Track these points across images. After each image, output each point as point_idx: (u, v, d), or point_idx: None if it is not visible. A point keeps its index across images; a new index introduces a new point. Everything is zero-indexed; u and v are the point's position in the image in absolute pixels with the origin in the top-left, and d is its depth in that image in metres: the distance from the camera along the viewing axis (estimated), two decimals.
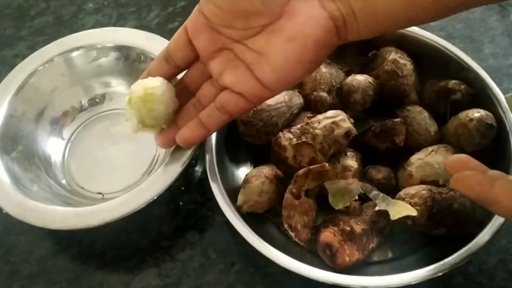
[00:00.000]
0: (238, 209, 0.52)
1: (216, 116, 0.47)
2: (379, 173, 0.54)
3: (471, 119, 0.53)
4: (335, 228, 0.49)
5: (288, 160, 0.51)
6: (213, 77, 0.46)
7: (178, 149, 0.56)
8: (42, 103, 0.66)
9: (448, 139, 0.55)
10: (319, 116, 0.53)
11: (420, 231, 0.51)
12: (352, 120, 0.53)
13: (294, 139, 0.51)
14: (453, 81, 0.57)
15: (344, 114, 0.53)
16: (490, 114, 0.53)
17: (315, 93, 0.59)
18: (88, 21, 0.80)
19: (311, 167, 0.50)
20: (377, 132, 0.55)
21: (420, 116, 0.56)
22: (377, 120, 0.56)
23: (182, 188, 0.61)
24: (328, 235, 0.49)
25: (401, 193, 0.52)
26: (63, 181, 0.62)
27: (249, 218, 0.51)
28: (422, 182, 0.52)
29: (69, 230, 0.55)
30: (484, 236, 0.47)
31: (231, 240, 0.56)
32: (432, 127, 0.56)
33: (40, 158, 0.64)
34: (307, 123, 0.53)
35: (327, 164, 0.51)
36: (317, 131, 0.51)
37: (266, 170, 0.53)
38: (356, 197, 0.51)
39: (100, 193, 0.62)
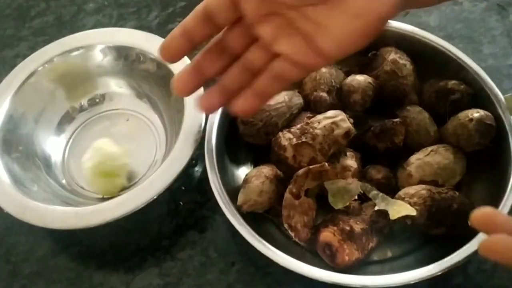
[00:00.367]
0: (238, 209, 0.52)
1: (274, 85, 0.43)
2: (379, 173, 0.54)
3: (471, 119, 0.53)
4: (335, 228, 0.49)
5: (288, 160, 0.51)
6: (264, 42, 0.42)
7: (178, 149, 0.56)
8: (42, 103, 0.66)
9: (447, 139, 0.56)
10: (319, 116, 0.53)
11: (420, 230, 0.51)
12: (351, 120, 0.53)
13: (294, 139, 0.51)
14: (453, 81, 0.57)
15: (344, 114, 0.53)
16: (490, 114, 0.53)
17: (315, 93, 0.59)
18: (88, 21, 0.80)
19: (310, 167, 0.50)
20: (377, 132, 0.55)
21: (420, 116, 0.56)
22: (377, 120, 0.56)
23: (182, 188, 0.61)
24: (327, 234, 0.49)
25: (401, 193, 0.52)
26: (63, 181, 0.63)
27: (249, 217, 0.51)
28: (421, 182, 0.52)
29: (69, 229, 0.55)
30: (483, 235, 0.47)
31: (231, 240, 0.56)
32: (432, 127, 0.56)
33: (40, 158, 0.64)
34: (307, 123, 0.53)
35: (326, 164, 0.51)
36: (317, 131, 0.52)
37: (266, 170, 0.54)
38: (356, 197, 0.51)
39: None
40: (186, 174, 0.59)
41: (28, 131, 0.64)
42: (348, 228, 0.49)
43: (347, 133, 0.52)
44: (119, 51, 0.67)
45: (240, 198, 0.52)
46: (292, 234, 0.51)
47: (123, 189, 0.60)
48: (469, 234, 0.47)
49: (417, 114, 0.57)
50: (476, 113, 0.53)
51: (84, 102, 0.69)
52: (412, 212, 0.48)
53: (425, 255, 0.50)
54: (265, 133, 0.57)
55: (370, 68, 0.60)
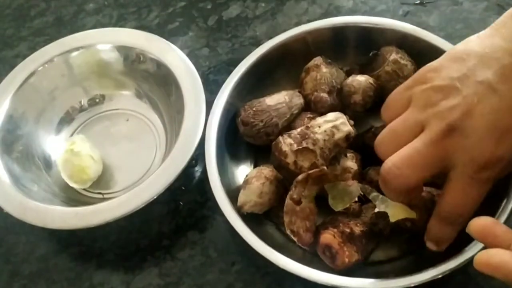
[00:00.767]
0: (238, 210, 0.52)
1: None
2: (379, 174, 0.54)
3: None
4: (335, 230, 0.49)
5: (289, 165, 0.51)
6: None
7: (178, 149, 0.56)
8: (42, 103, 0.66)
9: None
10: (319, 120, 0.53)
11: (420, 233, 0.51)
12: (352, 122, 0.53)
13: (295, 145, 0.51)
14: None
15: (344, 116, 0.53)
16: None
17: (315, 93, 0.59)
18: (89, 21, 0.80)
19: (310, 172, 0.50)
20: (378, 133, 0.54)
21: None
22: (378, 121, 0.56)
23: (182, 188, 0.61)
24: (327, 236, 0.49)
25: None
26: (63, 181, 0.62)
27: (249, 218, 0.51)
28: None
29: (69, 229, 0.55)
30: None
31: (231, 240, 0.56)
32: None
33: (40, 158, 0.64)
34: (307, 127, 0.52)
35: (325, 168, 0.51)
36: (318, 136, 0.51)
37: (267, 171, 0.54)
38: (356, 199, 0.51)
39: (100, 193, 0.62)
40: (186, 174, 0.59)
41: (28, 131, 0.64)
42: (348, 230, 0.49)
43: (347, 136, 0.52)
44: (119, 51, 0.67)
45: (241, 198, 0.52)
46: (295, 239, 0.51)
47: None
48: (470, 236, 0.47)
49: None
50: None
51: (84, 102, 0.69)
52: (412, 215, 0.48)
53: (426, 258, 0.50)
54: (266, 133, 0.57)
55: (371, 68, 0.60)
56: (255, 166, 0.58)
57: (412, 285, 0.45)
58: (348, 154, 0.54)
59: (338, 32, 0.63)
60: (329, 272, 0.47)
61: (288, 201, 0.51)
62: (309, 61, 0.61)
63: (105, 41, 0.68)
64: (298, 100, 0.59)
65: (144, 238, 0.58)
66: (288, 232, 0.51)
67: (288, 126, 0.57)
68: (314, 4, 0.76)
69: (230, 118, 0.59)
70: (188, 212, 0.59)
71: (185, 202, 0.60)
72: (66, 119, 0.68)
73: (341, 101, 0.59)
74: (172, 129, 0.63)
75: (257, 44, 0.68)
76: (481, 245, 0.45)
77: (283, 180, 0.53)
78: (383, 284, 0.46)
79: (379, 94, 0.58)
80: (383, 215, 0.50)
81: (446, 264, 0.46)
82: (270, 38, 0.63)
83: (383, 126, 0.54)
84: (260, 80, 0.62)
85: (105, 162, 0.63)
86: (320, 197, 0.52)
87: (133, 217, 0.53)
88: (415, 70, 0.59)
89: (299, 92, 0.60)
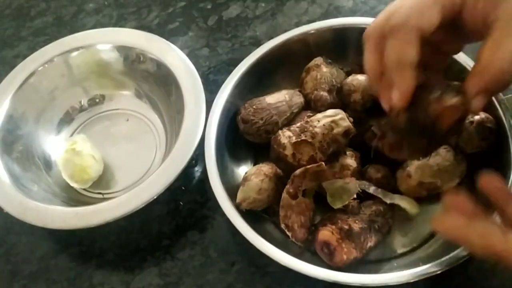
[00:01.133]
0: (237, 206, 0.52)
1: None
2: (378, 172, 0.54)
3: (471, 122, 0.53)
4: (333, 227, 0.49)
5: (287, 158, 0.51)
6: None
7: (178, 149, 0.56)
8: (42, 103, 0.66)
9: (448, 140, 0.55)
10: (319, 115, 0.53)
11: (419, 229, 0.52)
12: (351, 119, 0.53)
13: (294, 137, 0.51)
14: (454, 83, 0.57)
15: (344, 113, 0.53)
16: (490, 117, 0.53)
17: (315, 92, 0.59)
18: (89, 21, 0.80)
19: (308, 166, 0.50)
20: (377, 132, 0.55)
21: None
22: (377, 120, 0.56)
23: (182, 188, 0.61)
24: (326, 233, 0.49)
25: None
26: (63, 181, 0.62)
27: (249, 216, 0.51)
28: (420, 183, 0.52)
29: (69, 229, 0.55)
30: None
31: (231, 240, 0.56)
32: None
33: (40, 158, 0.64)
34: (307, 122, 0.53)
35: (323, 163, 0.51)
36: (317, 130, 0.52)
37: (266, 168, 0.54)
38: (355, 196, 0.51)
39: (100, 193, 0.62)
40: (186, 174, 0.59)
41: (28, 131, 0.64)
42: (346, 227, 0.49)
43: (346, 132, 0.52)
44: (119, 51, 0.67)
45: (239, 195, 0.52)
46: (289, 234, 0.51)
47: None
48: None
49: None
50: (476, 116, 0.53)
51: (84, 102, 0.69)
52: (415, 207, 0.49)
53: (425, 254, 0.50)
54: (265, 131, 0.57)
55: None
56: (255, 165, 0.58)
57: (412, 281, 0.45)
58: (347, 152, 0.54)
59: (339, 33, 0.63)
60: (327, 269, 0.47)
61: (284, 194, 0.51)
62: (309, 61, 0.61)
63: (105, 41, 0.68)
64: (299, 99, 0.59)
65: (144, 238, 0.58)
66: (282, 226, 0.51)
67: (288, 125, 0.57)
68: (314, 4, 0.76)
69: (230, 117, 0.59)
70: (188, 212, 0.59)
71: (185, 202, 0.60)
72: (66, 119, 0.68)
73: (341, 100, 0.59)
74: (172, 129, 0.63)
75: (257, 44, 0.68)
76: None
77: (282, 177, 0.53)
78: (382, 280, 0.46)
79: None
80: (382, 212, 0.50)
81: (445, 259, 0.46)
82: (270, 38, 0.63)
83: (383, 125, 0.55)
84: (260, 80, 0.62)
85: (105, 162, 0.63)
86: (318, 195, 0.53)
87: (133, 217, 0.53)
88: None
89: (299, 91, 0.60)
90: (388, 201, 0.51)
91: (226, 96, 0.59)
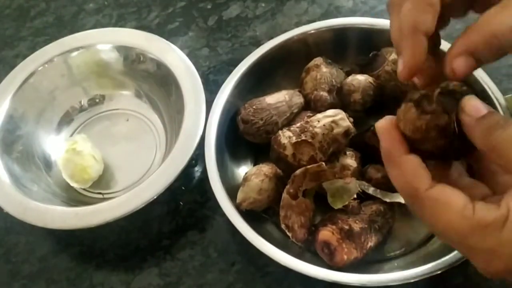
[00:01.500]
0: (238, 207, 0.52)
1: None
2: (378, 172, 0.54)
3: None
4: (334, 227, 0.49)
5: (287, 158, 0.51)
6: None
7: (178, 149, 0.56)
8: (42, 103, 0.66)
9: None
10: (319, 115, 0.53)
11: (419, 229, 0.51)
12: (351, 119, 0.53)
13: (294, 137, 0.51)
14: (454, 82, 0.57)
15: (344, 113, 0.53)
16: None
17: (315, 92, 0.59)
18: (89, 21, 0.80)
19: (308, 167, 0.50)
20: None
21: None
22: (377, 120, 0.56)
23: (182, 188, 0.61)
24: (326, 233, 0.49)
25: None
26: (63, 181, 0.62)
27: (249, 216, 0.51)
28: None
29: (69, 229, 0.55)
30: None
31: (231, 240, 0.56)
32: None
33: (40, 158, 0.64)
34: (307, 122, 0.53)
35: (324, 164, 0.51)
36: (317, 130, 0.52)
37: (266, 169, 0.54)
38: (355, 196, 0.51)
39: (100, 193, 0.62)
40: (186, 174, 0.59)
41: (28, 131, 0.64)
42: (347, 227, 0.49)
43: (346, 132, 0.52)
44: (119, 51, 0.67)
45: (240, 195, 0.52)
46: (289, 234, 0.51)
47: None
48: None
49: None
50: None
51: (84, 102, 0.69)
52: None
53: (425, 254, 0.50)
54: (265, 131, 0.57)
55: (371, 68, 0.60)
56: (255, 165, 0.58)
57: (412, 281, 0.45)
58: (347, 152, 0.54)
59: (339, 33, 0.63)
60: (327, 269, 0.47)
61: (284, 195, 0.51)
62: (309, 61, 0.61)
63: (105, 41, 0.68)
64: (298, 99, 0.59)
65: (144, 238, 0.58)
66: (282, 226, 0.51)
67: (288, 125, 0.57)
68: (314, 4, 0.76)
69: (230, 118, 0.59)
70: (188, 212, 0.59)
71: (185, 202, 0.60)
72: (66, 119, 0.68)
73: (341, 100, 0.59)
74: (172, 129, 0.63)
75: (257, 44, 0.68)
76: None
77: (282, 177, 0.53)
78: (382, 280, 0.46)
79: (379, 94, 0.58)
80: (382, 212, 0.50)
81: (445, 260, 0.46)
82: (270, 38, 0.63)
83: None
84: (260, 80, 0.62)
85: (105, 162, 0.63)
86: (318, 195, 0.53)
87: (133, 217, 0.53)
88: None
89: (299, 91, 0.60)
90: (388, 200, 0.51)
91: (226, 96, 0.59)
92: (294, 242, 0.51)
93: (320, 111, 0.56)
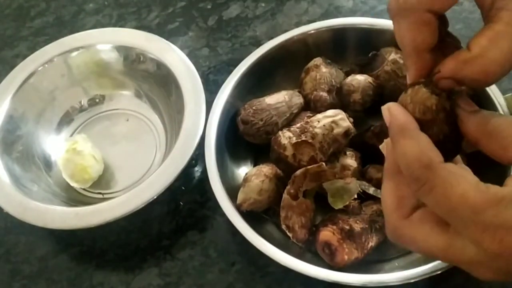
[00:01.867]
0: (238, 207, 0.52)
1: None
2: (379, 172, 0.54)
3: None
4: (334, 227, 0.49)
5: (287, 158, 0.51)
6: None
7: (178, 149, 0.56)
8: (42, 103, 0.66)
9: None
10: (319, 115, 0.54)
11: None
12: (351, 120, 0.53)
13: (294, 138, 0.51)
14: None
15: (344, 113, 0.53)
16: None
17: (315, 92, 0.59)
18: (89, 21, 0.80)
19: (308, 167, 0.50)
20: (377, 131, 0.55)
21: None
22: (377, 120, 0.56)
23: (182, 188, 0.61)
24: (327, 233, 0.49)
25: None
26: (63, 181, 0.62)
27: (249, 217, 0.51)
28: None
29: (69, 229, 0.55)
30: None
31: (232, 240, 0.56)
32: None
33: (40, 158, 0.64)
34: (307, 122, 0.53)
35: (324, 164, 0.51)
36: (317, 130, 0.52)
37: (266, 169, 0.54)
38: (355, 196, 0.51)
39: (100, 193, 0.62)
40: (186, 174, 0.59)
41: (28, 131, 0.64)
42: (347, 227, 0.49)
43: (346, 132, 0.52)
44: (119, 51, 0.67)
45: (240, 196, 0.52)
46: (290, 235, 0.51)
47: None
48: None
49: None
50: None
51: (84, 102, 0.69)
52: None
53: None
54: (265, 132, 0.57)
55: (370, 68, 0.60)
56: (255, 166, 0.58)
57: (412, 281, 0.45)
58: (347, 152, 0.54)
59: (338, 33, 0.63)
60: (328, 269, 0.47)
61: (285, 195, 0.51)
62: (309, 61, 0.61)
63: (105, 41, 0.68)
64: (298, 100, 0.59)
65: (144, 238, 0.58)
66: (283, 227, 0.51)
67: (288, 125, 0.57)
68: (314, 4, 0.76)
69: (230, 118, 0.59)
70: (188, 212, 0.59)
71: (185, 202, 0.60)
72: (66, 119, 0.68)
73: (341, 100, 0.59)
74: (172, 129, 0.63)
75: (257, 44, 0.68)
76: None
77: (283, 178, 0.53)
78: (383, 280, 0.46)
79: (378, 94, 0.58)
80: (383, 213, 0.50)
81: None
82: (270, 38, 0.63)
83: (382, 125, 0.55)
84: (260, 80, 0.62)
85: (105, 162, 0.63)
86: (319, 195, 0.53)
87: (133, 217, 0.53)
88: None
89: (299, 91, 0.60)
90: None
91: (226, 96, 0.59)
92: (295, 242, 0.51)
93: (320, 112, 0.56)
